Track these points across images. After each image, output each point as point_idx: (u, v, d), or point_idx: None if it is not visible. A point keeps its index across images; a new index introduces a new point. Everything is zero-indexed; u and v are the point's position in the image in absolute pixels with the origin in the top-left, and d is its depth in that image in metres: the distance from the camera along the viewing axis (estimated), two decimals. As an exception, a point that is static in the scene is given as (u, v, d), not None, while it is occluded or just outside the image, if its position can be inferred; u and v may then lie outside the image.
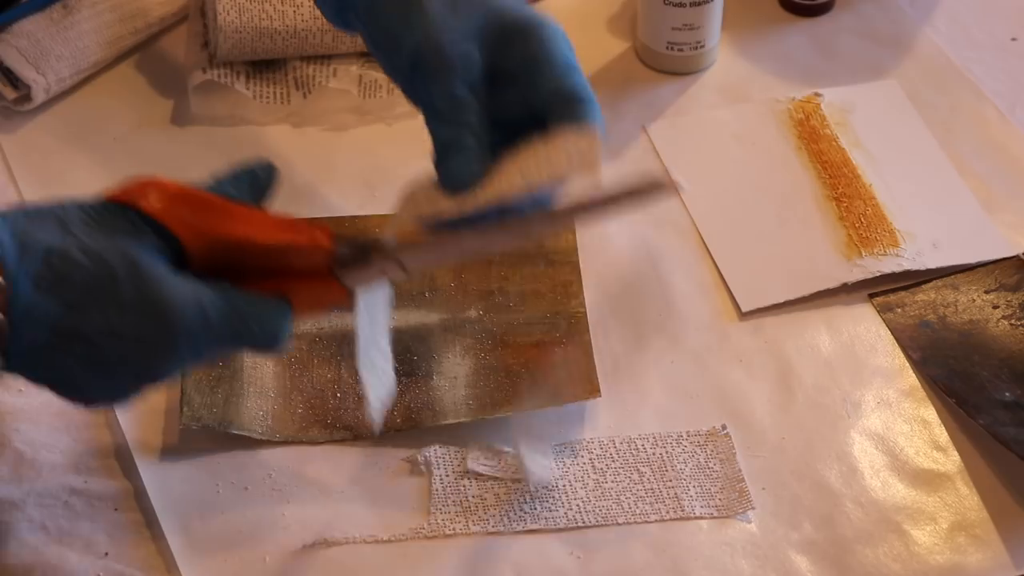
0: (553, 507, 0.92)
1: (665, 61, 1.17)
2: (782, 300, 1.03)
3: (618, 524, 0.92)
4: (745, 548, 0.91)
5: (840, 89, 1.16)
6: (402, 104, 1.13)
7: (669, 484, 0.93)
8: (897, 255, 1.05)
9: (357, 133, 1.13)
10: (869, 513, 0.93)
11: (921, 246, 1.05)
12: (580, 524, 0.92)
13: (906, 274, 1.04)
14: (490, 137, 0.84)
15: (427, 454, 0.94)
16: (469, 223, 0.83)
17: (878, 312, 1.03)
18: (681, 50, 1.16)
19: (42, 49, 1.11)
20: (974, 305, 1.02)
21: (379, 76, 1.13)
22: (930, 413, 0.98)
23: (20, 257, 0.76)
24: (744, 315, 1.03)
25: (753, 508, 0.93)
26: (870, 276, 1.03)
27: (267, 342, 0.82)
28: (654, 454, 0.95)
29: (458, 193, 0.83)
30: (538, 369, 0.98)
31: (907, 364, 1.00)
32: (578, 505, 0.92)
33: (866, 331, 1.02)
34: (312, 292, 0.83)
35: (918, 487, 0.94)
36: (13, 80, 1.11)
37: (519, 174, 0.82)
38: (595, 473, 0.94)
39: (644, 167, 1.11)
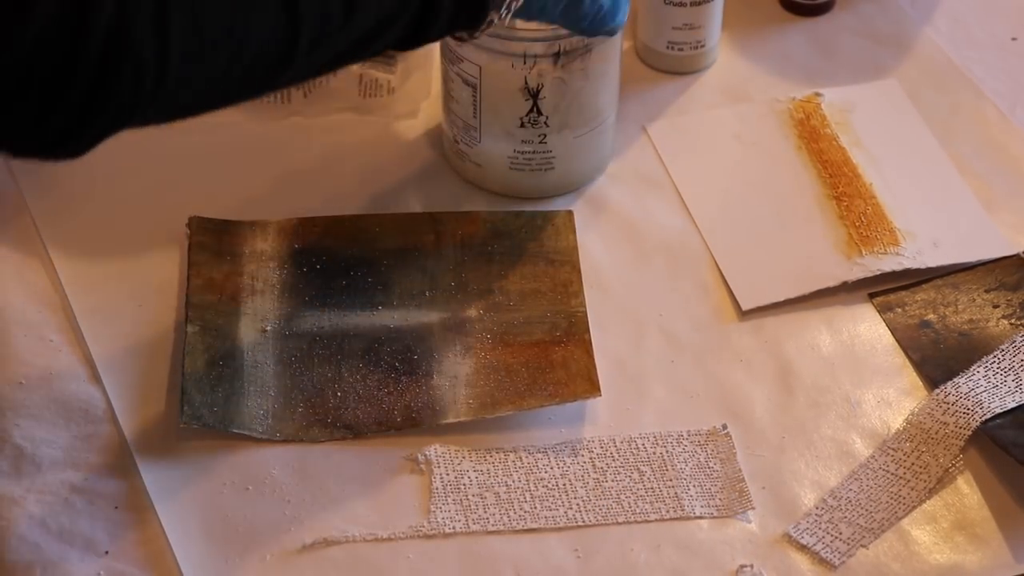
0: (553, 506, 0.92)
1: (665, 61, 1.17)
2: (782, 299, 1.03)
3: (618, 523, 0.92)
4: (745, 548, 0.91)
5: (840, 89, 1.16)
6: (402, 104, 1.13)
7: (669, 483, 0.93)
8: (897, 254, 1.05)
9: (357, 133, 1.13)
10: (869, 512, 0.93)
11: (921, 245, 1.05)
12: (580, 523, 0.92)
13: (906, 273, 1.04)
14: None
15: (427, 453, 0.94)
16: None
17: (878, 312, 1.03)
18: (681, 50, 1.16)
19: (42, 49, 1.11)
20: (974, 304, 1.02)
21: (379, 76, 1.12)
22: (930, 412, 0.98)
23: None
24: (744, 314, 1.03)
25: (753, 508, 0.93)
26: (870, 275, 1.03)
27: None
28: (654, 453, 0.95)
29: None
30: (538, 368, 0.98)
31: (907, 364, 1.00)
32: (578, 504, 0.92)
33: (866, 331, 1.02)
34: None
35: (918, 486, 0.94)
36: (13, 80, 1.11)
37: None
38: (595, 472, 0.94)
39: (644, 166, 1.11)
